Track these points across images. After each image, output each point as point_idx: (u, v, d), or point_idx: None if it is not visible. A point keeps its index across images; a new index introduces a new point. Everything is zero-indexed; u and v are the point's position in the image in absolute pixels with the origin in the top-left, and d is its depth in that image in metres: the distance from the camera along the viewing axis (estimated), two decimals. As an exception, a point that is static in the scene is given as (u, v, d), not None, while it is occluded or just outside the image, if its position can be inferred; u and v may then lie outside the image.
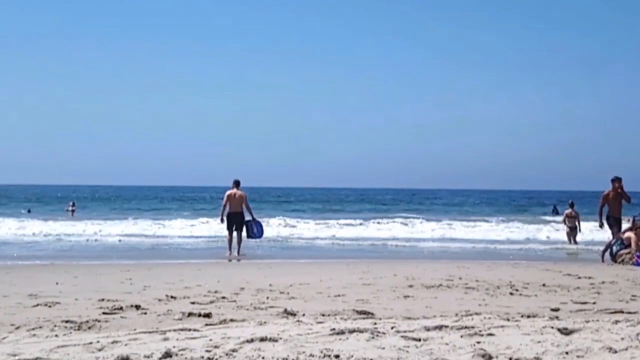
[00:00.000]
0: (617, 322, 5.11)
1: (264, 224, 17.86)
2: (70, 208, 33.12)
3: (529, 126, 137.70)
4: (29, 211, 38.14)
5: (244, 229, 16.47)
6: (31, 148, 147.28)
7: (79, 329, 5.55)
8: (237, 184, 16.40)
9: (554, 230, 24.77)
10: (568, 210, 21.29)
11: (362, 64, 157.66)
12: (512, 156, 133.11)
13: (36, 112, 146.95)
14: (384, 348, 4.22)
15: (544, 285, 9.48)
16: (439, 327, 4.82)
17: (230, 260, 15.47)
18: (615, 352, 4.07)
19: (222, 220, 16.46)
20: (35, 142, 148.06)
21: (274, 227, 25.43)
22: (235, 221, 16.25)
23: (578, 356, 3.98)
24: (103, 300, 7.51)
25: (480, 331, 4.66)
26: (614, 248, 14.76)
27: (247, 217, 16.60)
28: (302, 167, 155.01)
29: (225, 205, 16.32)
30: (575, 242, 20.76)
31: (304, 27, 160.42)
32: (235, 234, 16.36)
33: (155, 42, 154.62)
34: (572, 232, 21.03)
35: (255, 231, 16.62)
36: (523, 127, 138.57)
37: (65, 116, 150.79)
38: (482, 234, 25.21)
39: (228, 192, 16.37)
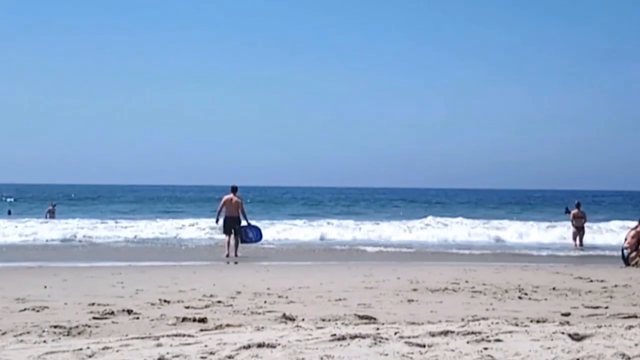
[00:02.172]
0: (630, 327, 5.11)
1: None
2: (50, 208, 33.14)
3: (536, 123, 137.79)
4: (9, 212, 38.02)
5: (240, 233, 17.38)
6: (19, 145, 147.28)
7: (68, 335, 5.56)
8: (234, 190, 17.39)
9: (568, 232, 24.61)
10: (574, 210, 21.31)
11: (363, 59, 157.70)
12: (520, 154, 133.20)
13: (26, 109, 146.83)
14: (387, 354, 4.22)
15: (554, 288, 9.48)
16: (445, 333, 4.82)
17: (228, 263, 15.60)
18: (629, 358, 4.07)
19: (217, 222, 17.72)
20: (24, 140, 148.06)
21: (273, 229, 25.33)
22: (232, 225, 17.18)
23: (590, 363, 3.99)
24: (93, 304, 7.51)
25: (487, 337, 4.66)
26: (626, 252, 14.87)
27: (244, 223, 17.44)
28: (302, 166, 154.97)
29: (220, 209, 17.42)
30: (582, 244, 20.77)
31: (306, 21, 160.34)
32: (232, 237, 17.14)
33: (155, 36, 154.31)
34: (579, 232, 21.03)
35: (251, 235, 17.61)
36: (530, 124, 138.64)
37: (58, 113, 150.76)
38: (491, 237, 25.00)
39: (225, 198, 17.46)
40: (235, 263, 15.56)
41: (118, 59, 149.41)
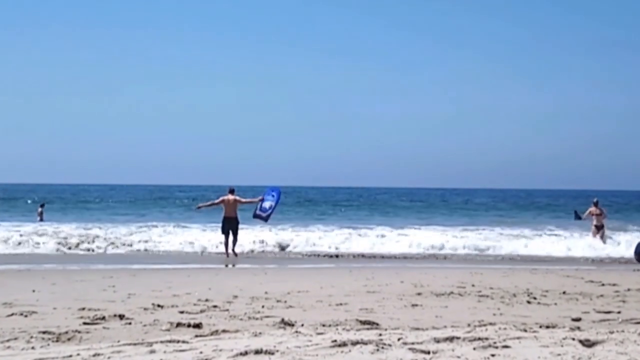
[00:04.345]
0: (643, 333, 5.11)
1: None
2: (39, 210, 33.13)
3: (544, 120, 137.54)
4: None
5: (257, 219, 18.35)
6: (7, 143, 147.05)
7: (57, 341, 5.56)
8: (232, 191, 18.21)
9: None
10: (592, 208, 21.41)
11: (366, 55, 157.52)
12: (526, 152, 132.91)
13: (12, 106, 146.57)
14: (389, 361, 4.23)
15: (564, 293, 9.50)
16: (450, 339, 4.83)
17: (226, 265, 15.71)
18: (642, 365, 4.07)
19: (197, 207, 19.46)
20: (13, 138, 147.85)
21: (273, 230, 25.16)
22: (230, 225, 17.84)
23: (601, 370, 3.99)
24: (84, 309, 7.52)
25: (494, 343, 4.66)
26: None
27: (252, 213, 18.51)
28: (303, 164, 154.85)
29: (213, 203, 18.57)
30: (604, 243, 20.80)
31: (309, 16, 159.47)
32: (230, 237, 17.80)
33: (148, 32, 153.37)
34: (599, 231, 21.06)
35: (265, 205, 18.06)
36: (539, 121, 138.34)
37: (50, 111, 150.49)
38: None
39: (223, 198, 18.25)
40: (233, 265, 15.64)
41: (110, 56, 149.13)
